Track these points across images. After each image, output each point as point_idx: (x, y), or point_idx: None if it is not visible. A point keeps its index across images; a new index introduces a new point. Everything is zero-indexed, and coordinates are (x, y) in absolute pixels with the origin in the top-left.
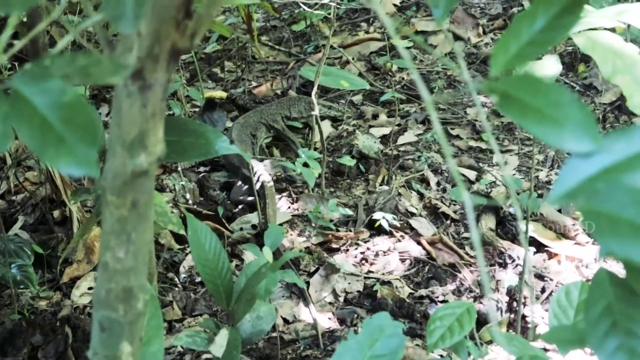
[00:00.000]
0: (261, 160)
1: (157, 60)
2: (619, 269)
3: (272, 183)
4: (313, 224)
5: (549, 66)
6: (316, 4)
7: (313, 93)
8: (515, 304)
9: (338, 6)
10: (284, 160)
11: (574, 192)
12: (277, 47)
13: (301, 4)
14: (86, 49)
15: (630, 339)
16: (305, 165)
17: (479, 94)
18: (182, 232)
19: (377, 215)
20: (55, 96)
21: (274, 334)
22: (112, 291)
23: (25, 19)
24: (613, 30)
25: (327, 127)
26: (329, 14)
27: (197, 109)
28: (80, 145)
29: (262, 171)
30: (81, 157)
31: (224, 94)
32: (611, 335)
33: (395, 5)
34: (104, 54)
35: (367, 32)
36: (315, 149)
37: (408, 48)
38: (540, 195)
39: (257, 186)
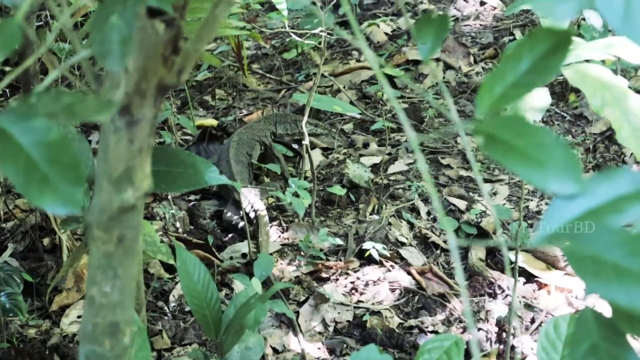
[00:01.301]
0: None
1: (144, 96)
2: (607, 306)
3: (265, 212)
4: (303, 253)
5: (539, 98)
6: (307, 33)
7: (304, 122)
8: (504, 334)
9: (329, 35)
10: (274, 190)
11: (558, 234)
12: (267, 75)
13: (292, 34)
14: (74, 84)
15: None
16: (296, 194)
17: (466, 114)
18: (171, 261)
19: (367, 244)
20: (41, 135)
21: None
22: (98, 325)
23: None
24: (603, 62)
25: (317, 155)
26: (320, 42)
27: (188, 137)
28: (64, 185)
29: (255, 199)
30: (65, 196)
31: (214, 122)
32: None
33: (386, 34)
34: (90, 91)
35: (358, 60)
36: (306, 177)
37: (400, 77)
38: (530, 225)
39: (251, 214)
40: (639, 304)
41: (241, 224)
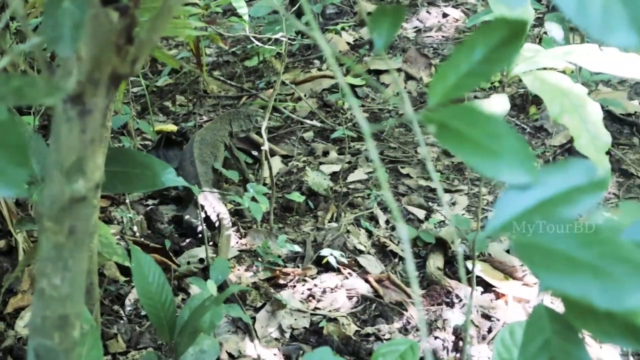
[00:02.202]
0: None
1: (97, 85)
2: (560, 306)
3: (228, 216)
4: (260, 259)
5: (498, 104)
6: (269, 39)
7: (263, 127)
8: (461, 343)
9: (290, 43)
10: (232, 194)
11: (509, 225)
12: (228, 82)
13: (253, 39)
14: (26, 73)
15: None
16: (254, 199)
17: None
18: (127, 263)
19: (324, 251)
20: None
21: None
22: (47, 319)
23: None
24: (563, 72)
25: (277, 163)
26: (282, 49)
27: (147, 142)
28: (9, 166)
29: (217, 203)
30: (10, 178)
31: (174, 128)
32: None
33: (348, 43)
34: (41, 77)
35: (319, 69)
36: (265, 184)
37: (360, 86)
38: (489, 236)
39: (213, 217)
40: (590, 295)
41: (201, 227)
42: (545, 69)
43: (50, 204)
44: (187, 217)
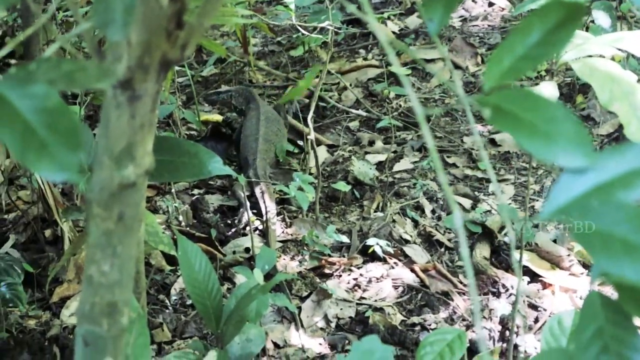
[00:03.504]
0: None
1: (147, 70)
2: (612, 294)
3: (275, 213)
4: (306, 248)
5: (547, 92)
6: (315, 29)
7: (309, 116)
8: (507, 333)
9: (337, 31)
10: (279, 183)
11: (566, 209)
12: (274, 71)
13: (299, 28)
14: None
15: None
16: (300, 189)
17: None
18: (173, 252)
19: (370, 241)
20: (40, 101)
21: (264, 359)
22: (96, 305)
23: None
24: (612, 59)
25: (322, 152)
26: (328, 39)
27: (192, 132)
28: (62, 151)
29: (267, 198)
30: (62, 163)
31: (220, 118)
32: (601, 358)
33: (394, 32)
34: (91, 62)
35: (365, 59)
36: (311, 174)
37: (406, 75)
38: (535, 226)
39: (262, 207)
40: None
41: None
42: (591, 56)
43: (100, 190)
44: (239, 192)
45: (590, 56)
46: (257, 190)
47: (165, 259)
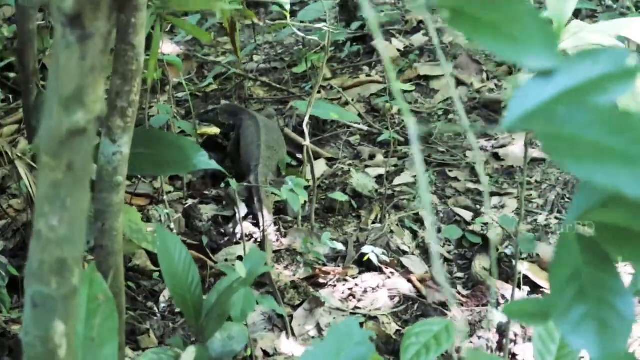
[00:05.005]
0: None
1: (97, 6)
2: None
3: (271, 223)
4: (301, 257)
5: None
6: (317, 45)
7: (304, 123)
8: (505, 341)
9: (340, 49)
10: (272, 187)
11: (532, 115)
12: (274, 84)
13: (297, 32)
14: None
15: (599, 307)
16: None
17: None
18: (157, 251)
19: (366, 248)
20: None
21: None
22: (45, 263)
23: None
24: None
25: (321, 165)
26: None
27: None
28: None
29: (264, 207)
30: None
31: (217, 130)
32: (578, 303)
33: (398, 50)
34: None
35: (368, 75)
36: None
37: (410, 91)
38: (538, 239)
39: (260, 219)
40: (620, 184)
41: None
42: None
43: (48, 138)
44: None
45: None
46: (256, 198)
47: (150, 259)
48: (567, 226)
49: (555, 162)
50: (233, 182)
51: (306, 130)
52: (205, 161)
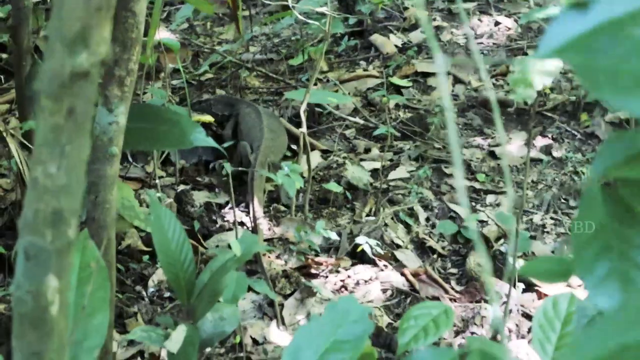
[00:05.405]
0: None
1: None
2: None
3: (263, 213)
4: (293, 246)
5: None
6: (314, 38)
7: (302, 110)
8: (498, 337)
9: (337, 43)
10: (268, 172)
11: (567, 47)
12: (270, 74)
13: (298, 15)
14: None
15: (623, 262)
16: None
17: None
18: (149, 229)
19: (360, 239)
20: None
21: (242, 354)
22: (40, 213)
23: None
24: None
25: (316, 157)
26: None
27: None
28: None
29: (257, 190)
30: None
31: (211, 118)
32: (602, 258)
33: (396, 46)
34: None
35: (365, 69)
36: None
37: (407, 87)
38: (533, 237)
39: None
40: None
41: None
42: None
43: (50, 80)
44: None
45: None
46: (249, 178)
47: (142, 240)
48: (591, 181)
49: (593, 95)
50: (227, 165)
51: (303, 118)
52: (203, 138)
